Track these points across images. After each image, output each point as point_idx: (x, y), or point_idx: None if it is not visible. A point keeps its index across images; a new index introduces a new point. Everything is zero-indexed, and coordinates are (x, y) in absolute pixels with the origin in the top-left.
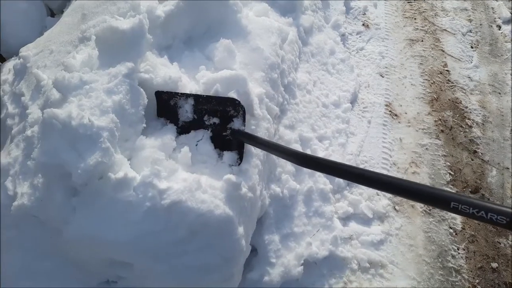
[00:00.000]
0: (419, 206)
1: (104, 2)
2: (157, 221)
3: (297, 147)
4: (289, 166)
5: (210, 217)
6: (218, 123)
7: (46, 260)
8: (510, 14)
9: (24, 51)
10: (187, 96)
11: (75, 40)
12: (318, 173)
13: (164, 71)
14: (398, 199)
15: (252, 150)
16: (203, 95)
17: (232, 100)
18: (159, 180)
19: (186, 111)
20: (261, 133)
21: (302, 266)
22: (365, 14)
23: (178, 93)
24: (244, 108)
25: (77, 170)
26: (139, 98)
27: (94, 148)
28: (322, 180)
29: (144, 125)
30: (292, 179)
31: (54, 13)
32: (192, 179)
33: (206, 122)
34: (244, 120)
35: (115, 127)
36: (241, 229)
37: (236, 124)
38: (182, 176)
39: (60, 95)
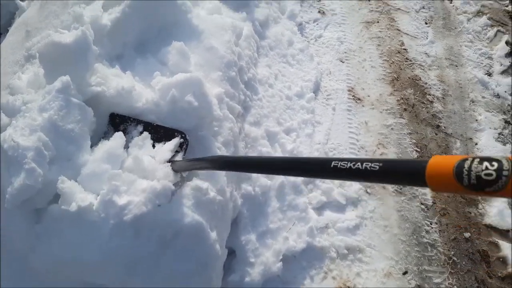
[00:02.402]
0: (390, 186)
1: (47, 16)
2: (125, 237)
3: (265, 143)
4: None
5: (181, 226)
6: None
7: None
8: None
9: None
10: (138, 122)
11: (21, 59)
12: None
13: (116, 82)
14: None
15: (218, 152)
16: (153, 124)
17: (180, 132)
18: (118, 196)
19: (132, 138)
20: (225, 134)
21: (281, 262)
22: (320, 0)
23: (130, 118)
24: (188, 141)
25: (5, 194)
26: (78, 114)
27: (20, 170)
28: None
29: (89, 141)
30: (262, 176)
31: (0, 32)
32: (150, 187)
33: None
34: (185, 153)
35: (43, 146)
36: (213, 234)
37: (176, 157)
38: (141, 186)
39: (8, 119)
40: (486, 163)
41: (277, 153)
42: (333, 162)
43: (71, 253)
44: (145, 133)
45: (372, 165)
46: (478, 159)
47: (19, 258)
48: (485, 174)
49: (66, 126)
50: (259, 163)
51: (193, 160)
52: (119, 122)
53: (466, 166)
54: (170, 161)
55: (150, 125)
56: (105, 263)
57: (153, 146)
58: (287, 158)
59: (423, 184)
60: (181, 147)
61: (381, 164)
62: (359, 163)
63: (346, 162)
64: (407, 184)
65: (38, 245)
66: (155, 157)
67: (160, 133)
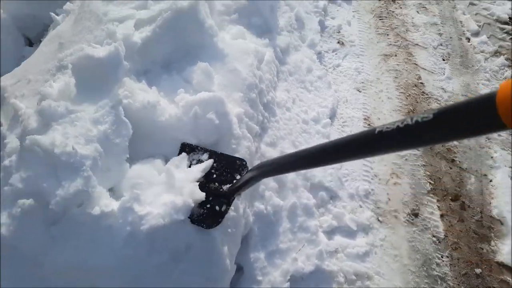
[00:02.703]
0: (402, 216)
1: (81, 31)
2: (139, 245)
3: None
4: (272, 182)
5: (193, 239)
6: (218, 182)
7: None
8: (477, 27)
9: (2, 81)
10: (204, 151)
11: (53, 68)
12: (301, 188)
13: (142, 96)
14: (381, 210)
15: None
16: (217, 152)
17: (241, 160)
18: (139, 205)
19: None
20: (242, 152)
21: (289, 283)
22: (339, 32)
23: (198, 147)
24: (248, 168)
25: (55, 197)
26: (124, 130)
27: (75, 176)
28: (305, 195)
29: (127, 155)
30: (275, 196)
31: (32, 42)
32: (171, 202)
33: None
34: None
35: (99, 157)
36: (225, 249)
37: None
38: (163, 199)
39: (38, 123)
40: None
41: (289, 175)
42: (378, 128)
43: (84, 257)
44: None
45: (424, 116)
46: None
47: (29, 259)
48: None
49: (114, 140)
50: (301, 159)
51: (241, 177)
52: (188, 150)
53: None
54: (233, 187)
55: (215, 154)
56: (116, 270)
57: (189, 166)
58: (325, 145)
59: (494, 121)
60: (240, 174)
61: (436, 112)
62: (408, 119)
63: (392, 124)
64: (473, 131)
65: (51, 247)
66: (189, 177)
67: (222, 162)
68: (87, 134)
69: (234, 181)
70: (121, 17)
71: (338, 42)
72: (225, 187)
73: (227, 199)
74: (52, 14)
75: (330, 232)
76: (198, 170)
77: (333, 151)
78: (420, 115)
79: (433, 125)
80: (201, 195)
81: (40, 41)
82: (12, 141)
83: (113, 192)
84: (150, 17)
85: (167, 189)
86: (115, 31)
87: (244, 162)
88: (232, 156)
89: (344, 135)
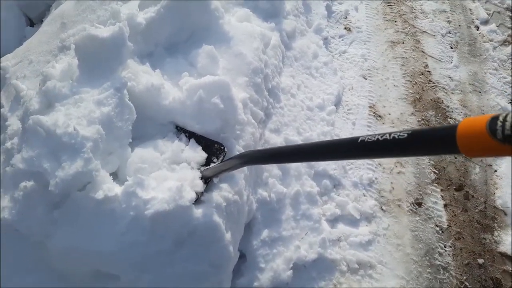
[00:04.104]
0: (405, 205)
1: (84, 11)
2: (142, 231)
3: None
4: (275, 170)
5: (197, 225)
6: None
7: (30, 275)
8: (487, 15)
9: (3, 61)
10: (184, 131)
11: (55, 49)
12: (304, 176)
13: (146, 79)
14: (384, 199)
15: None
16: (197, 134)
17: (219, 144)
18: (142, 189)
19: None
20: (246, 138)
21: (292, 270)
22: (346, 17)
23: (178, 126)
24: (226, 153)
25: (54, 178)
26: (128, 113)
27: (76, 157)
28: (309, 183)
29: (130, 140)
30: (279, 183)
31: (34, 22)
32: (176, 188)
33: None
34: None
35: (100, 139)
36: (228, 235)
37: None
38: (167, 184)
39: (40, 104)
40: None
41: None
42: (360, 138)
43: (86, 241)
44: (193, 141)
45: (401, 134)
46: None
47: (32, 242)
48: None
49: (117, 123)
50: (288, 152)
51: (224, 161)
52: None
53: (501, 118)
54: (205, 168)
55: (194, 135)
56: (119, 254)
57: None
58: (315, 143)
59: (453, 147)
60: (218, 157)
61: (410, 132)
62: (386, 135)
63: (374, 136)
64: (437, 151)
65: (54, 231)
66: (190, 162)
67: (201, 144)
68: (89, 116)
69: (211, 163)
70: None
71: (345, 28)
72: (202, 168)
73: (204, 180)
74: None
75: (333, 221)
76: (202, 157)
77: (319, 151)
78: (398, 132)
79: (406, 143)
80: (203, 185)
81: (42, 21)
82: (13, 123)
83: (116, 176)
84: None
85: (171, 169)
86: (119, 10)
87: (222, 147)
88: (211, 140)
89: (349, 123)
